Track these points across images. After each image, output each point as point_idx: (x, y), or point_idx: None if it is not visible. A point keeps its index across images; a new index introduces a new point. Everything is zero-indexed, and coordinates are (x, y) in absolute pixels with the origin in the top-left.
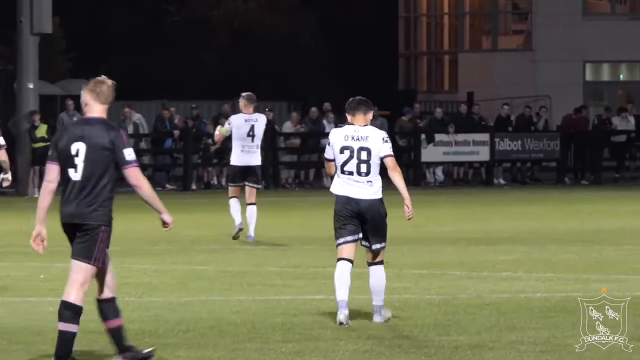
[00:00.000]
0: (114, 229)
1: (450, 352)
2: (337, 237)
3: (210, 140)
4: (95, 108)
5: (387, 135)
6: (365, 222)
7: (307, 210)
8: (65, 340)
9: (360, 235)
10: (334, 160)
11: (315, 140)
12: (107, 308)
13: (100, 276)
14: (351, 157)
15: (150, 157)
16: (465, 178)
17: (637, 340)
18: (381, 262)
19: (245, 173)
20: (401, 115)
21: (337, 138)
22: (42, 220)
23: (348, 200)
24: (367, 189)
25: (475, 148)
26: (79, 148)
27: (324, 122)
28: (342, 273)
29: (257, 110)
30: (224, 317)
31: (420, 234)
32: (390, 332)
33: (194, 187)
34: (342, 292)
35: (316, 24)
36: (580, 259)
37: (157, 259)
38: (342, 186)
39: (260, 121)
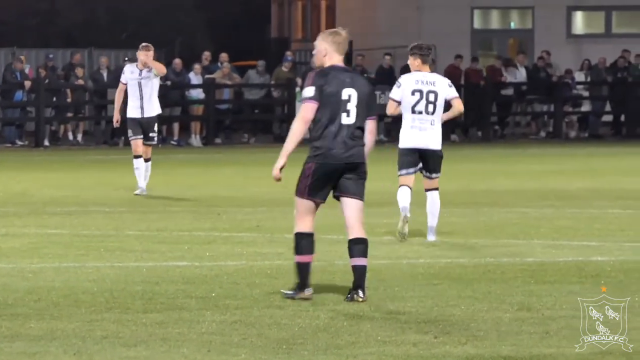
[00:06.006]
0: None
1: (325, 322)
2: (399, 168)
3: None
4: (336, 58)
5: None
6: (426, 161)
7: (170, 169)
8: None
9: (420, 165)
10: (399, 102)
11: (179, 93)
12: None
13: None
14: (421, 98)
15: None
16: None
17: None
18: (437, 189)
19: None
20: (278, 64)
21: (409, 82)
22: (289, 154)
23: (415, 150)
24: (431, 133)
25: None
26: (350, 94)
27: (191, 74)
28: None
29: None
30: (80, 285)
31: (285, 194)
32: (261, 303)
33: (46, 143)
34: (404, 200)
35: None
36: (468, 222)
37: (5, 222)
38: (410, 131)
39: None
